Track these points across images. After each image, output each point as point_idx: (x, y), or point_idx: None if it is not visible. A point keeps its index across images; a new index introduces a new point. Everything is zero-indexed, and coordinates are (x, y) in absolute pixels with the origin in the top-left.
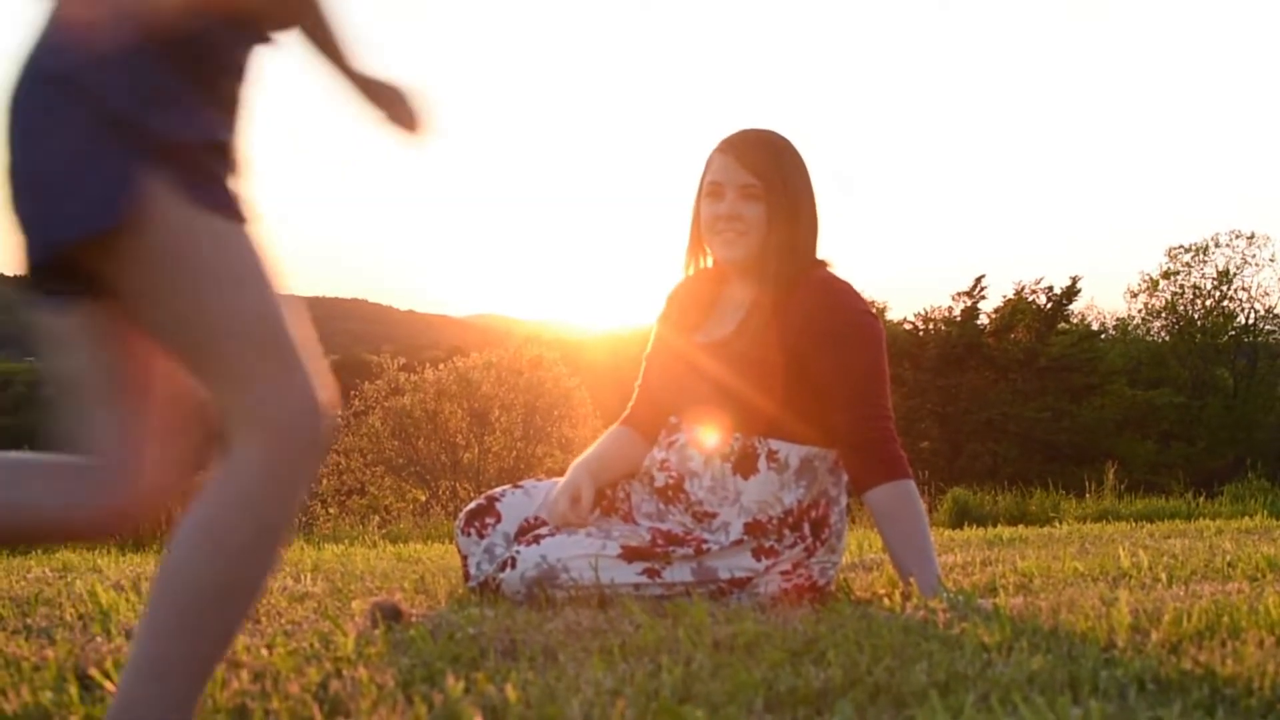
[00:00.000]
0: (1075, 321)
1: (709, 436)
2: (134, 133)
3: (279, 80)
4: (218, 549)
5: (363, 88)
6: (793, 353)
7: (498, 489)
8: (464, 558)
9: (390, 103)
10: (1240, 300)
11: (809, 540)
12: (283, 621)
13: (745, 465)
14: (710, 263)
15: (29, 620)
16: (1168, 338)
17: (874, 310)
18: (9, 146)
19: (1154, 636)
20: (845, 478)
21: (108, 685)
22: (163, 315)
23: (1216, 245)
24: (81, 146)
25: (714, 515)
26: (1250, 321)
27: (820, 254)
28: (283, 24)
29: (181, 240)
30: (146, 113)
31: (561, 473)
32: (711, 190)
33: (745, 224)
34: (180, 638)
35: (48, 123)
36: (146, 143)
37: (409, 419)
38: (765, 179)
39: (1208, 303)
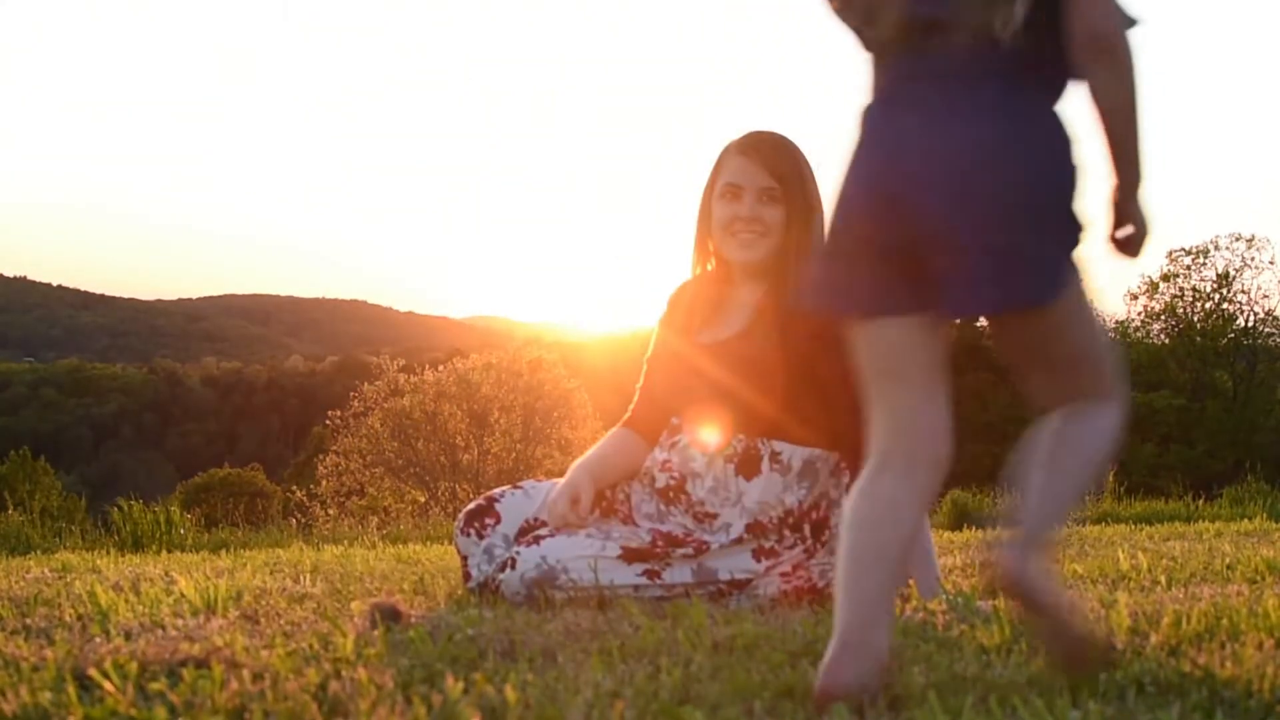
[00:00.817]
0: None
1: (711, 436)
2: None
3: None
4: (1085, 451)
5: (1125, 198)
6: (800, 355)
7: (497, 490)
8: (463, 558)
9: (1128, 220)
10: (1240, 303)
11: (809, 542)
12: (282, 622)
13: (748, 466)
14: (711, 264)
15: (28, 620)
16: (1167, 340)
17: None
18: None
19: (1153, 639)
20: (847, 480)
21: (107, 685)
22: (1070, 341)
23: (1216, 248)
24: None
25: (715, 516)
26: (1250, 324)
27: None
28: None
29: (1083, 298)
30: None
31: (561, 474)
32: (729, 192)
33: (765, 226)
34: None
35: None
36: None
37: (408, 420)
38: (785, 182)
39: (1207, 305)
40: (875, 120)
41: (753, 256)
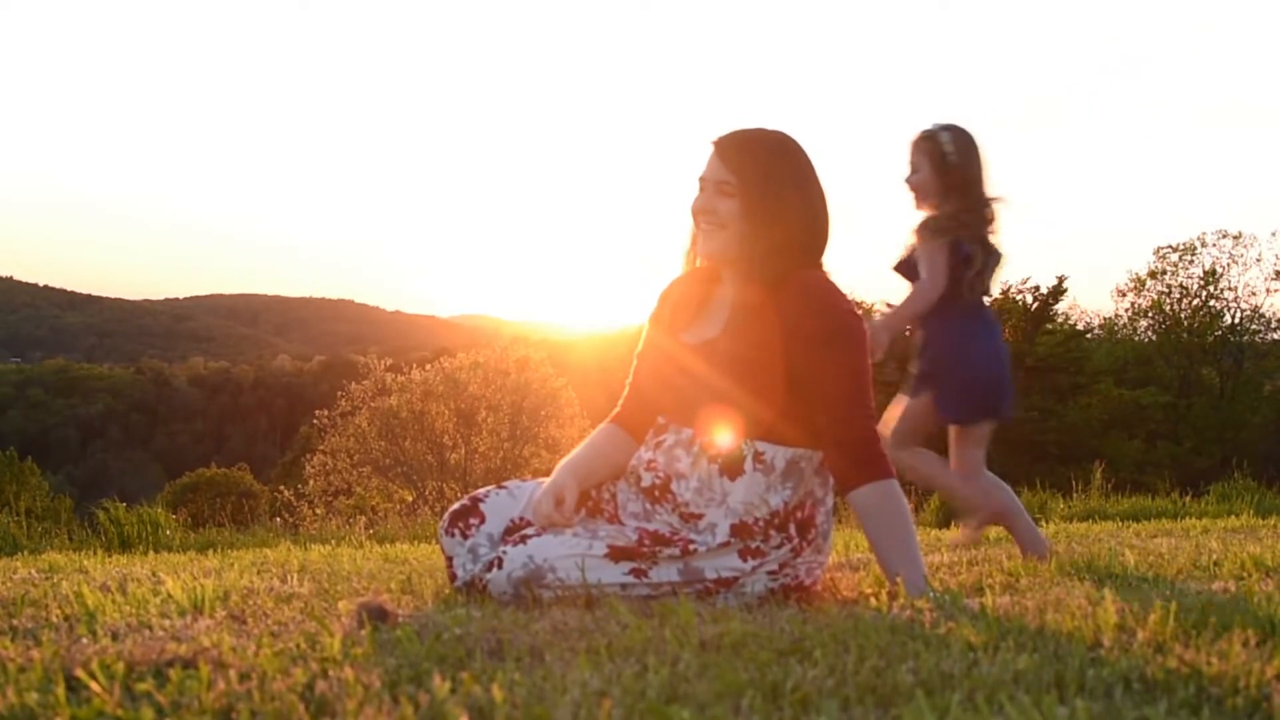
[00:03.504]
0: (1061, 321)
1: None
2: None
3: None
4: None
5: None
6: (774, 352)
7: (481, 490)
8: (448, 559)
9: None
10: (1227, 300)
11: (795, 541)
12: (269, 622)
13: (732, 467)
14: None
15: (15, 621)
16: (1154, 337)
17: (857, 310)
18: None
19: (1140, 635)
20: (832, 478)
21: (94, 686)
22: None
23: (1203, 245)
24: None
25: (700, 516)
26: (1237, 321)
27: (819, 255)
28: None
29: None
30: None
31: (548, 473)
32: (698, 184)
33: (719, 218)
34: None
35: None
36: None
37: (396, 419)
38: (741, 176)
39: (1194, 302)
40: (988, 329)
41: (710, 248)
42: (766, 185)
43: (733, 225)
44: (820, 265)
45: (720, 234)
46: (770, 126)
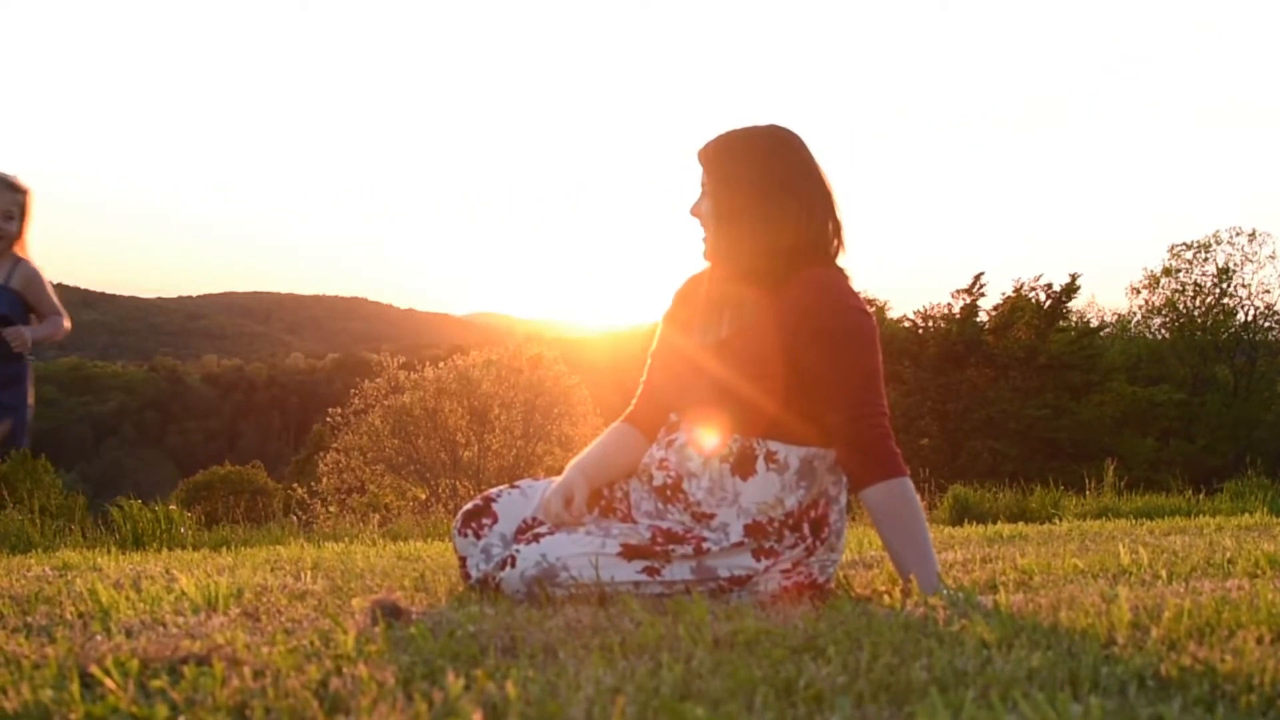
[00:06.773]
0: (1075, 319)
1: (708, 437)
2: None
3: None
4: None
5: None
6: (788, 351)
7: (494, 489)
8: (461, 559)
9: None
10: (1240, 297)
11: (809, 540)
12: (283, 619)
13: (744, 466)
14: None
15: (29, 618)
16: (1167, 335)
17: (867, 307)
18: None
19: (1154, 633)
20: (845, 477)
21: (108, 683)
22: None
23: (1217, 242)
24: None
25: (712, 516)
26: (1250, 319)
27: (825, 253)
28: None
29: None
30: None
31: (560, 471)
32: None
33: (700, 218)
34: None
35: None
36: None
37: (409, 417)
38: (711, 176)
39: (1208, 300)
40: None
41: (704, 248)
42: (722, 186)
43: (707, 226)
44: (831, 263)
45: (707, 234)
46: (765, 125)
